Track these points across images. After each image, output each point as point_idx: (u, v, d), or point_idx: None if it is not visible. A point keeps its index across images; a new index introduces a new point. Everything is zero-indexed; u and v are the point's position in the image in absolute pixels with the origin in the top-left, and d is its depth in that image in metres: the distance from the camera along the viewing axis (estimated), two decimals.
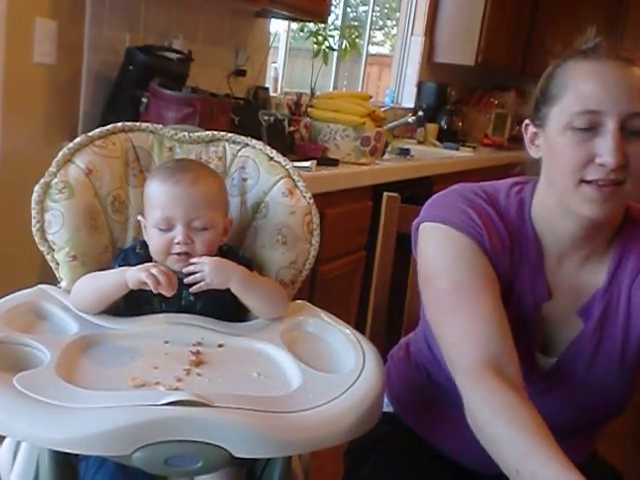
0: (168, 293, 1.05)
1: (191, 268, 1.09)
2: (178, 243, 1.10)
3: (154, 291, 1.04)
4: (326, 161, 2.60)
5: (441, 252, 1.07)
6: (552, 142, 1.01)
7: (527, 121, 1.08)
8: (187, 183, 1.11)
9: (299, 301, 1.25)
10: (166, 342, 1.05)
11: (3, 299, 1.10)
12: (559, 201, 1.04)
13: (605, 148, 0.95)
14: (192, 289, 1.09)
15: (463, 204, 1.07)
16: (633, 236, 1.07)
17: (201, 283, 1.09)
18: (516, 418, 0.87)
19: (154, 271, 1.04)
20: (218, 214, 1.14)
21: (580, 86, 0.98)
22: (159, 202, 1.12)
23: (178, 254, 1.10)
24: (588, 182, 0.97)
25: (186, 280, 1.09)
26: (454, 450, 1.19)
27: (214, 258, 1.11)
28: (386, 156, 3.10)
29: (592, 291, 1.08)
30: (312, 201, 1.27)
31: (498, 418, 0.88)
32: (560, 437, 0.87)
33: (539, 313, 1.09)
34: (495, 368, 0.94)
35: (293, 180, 1.27)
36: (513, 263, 1.07)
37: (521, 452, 0.84)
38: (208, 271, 1.08)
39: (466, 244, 1.05)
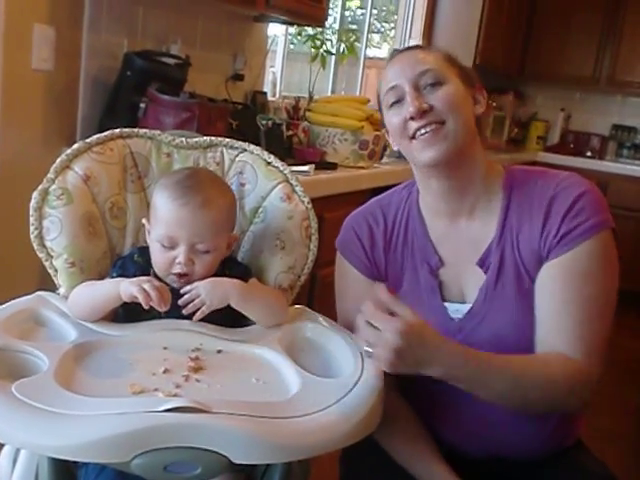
0: (160, 308, 1.04)
1: (186, 297, 1.08)
2: (179, 263, 1.10)
3: (145, 307, 1.04)
4: (324, 165, 2.60)
5: (337, 280, 1.31)
6: (387, 124, 1.21)
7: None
8: (195, 206, 1.09)
9: (298, 306, 1.25)
10: (165, 348, 1.05)
11: (2, 306, 1.11)
12: (414, 167, 1.23)
13: (406, 104, 1.15)
14: (195, 317, 1.09)
15: (352, 229, 1.31)
16: (514, 188, 1.19)
17: (203, 308, 1.08)
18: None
19: (146, 286, 1.04)
20: (223, 237, 1.14)
21: (385, 74, 1.20)
22: (165, 220, 1.11)
23: (178, 275, 1.10)
24: (414, 137, 1.15)
25: (185, 311, 1.08)
26: (453, 433, 1.19)
27: (207, 280, 1.10)
28: (384, 160, 3.10)
29: (487, 242, 1.18)
30: (310, 206, 1.27)
31: None
32: None
33: (439, 276, 1.22)
34: None
35: (291, 185, 1.27)
36: (405, 245, 1.25)
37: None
38: (205, 294, 1.08)
39: (353, 275, 1.27)
